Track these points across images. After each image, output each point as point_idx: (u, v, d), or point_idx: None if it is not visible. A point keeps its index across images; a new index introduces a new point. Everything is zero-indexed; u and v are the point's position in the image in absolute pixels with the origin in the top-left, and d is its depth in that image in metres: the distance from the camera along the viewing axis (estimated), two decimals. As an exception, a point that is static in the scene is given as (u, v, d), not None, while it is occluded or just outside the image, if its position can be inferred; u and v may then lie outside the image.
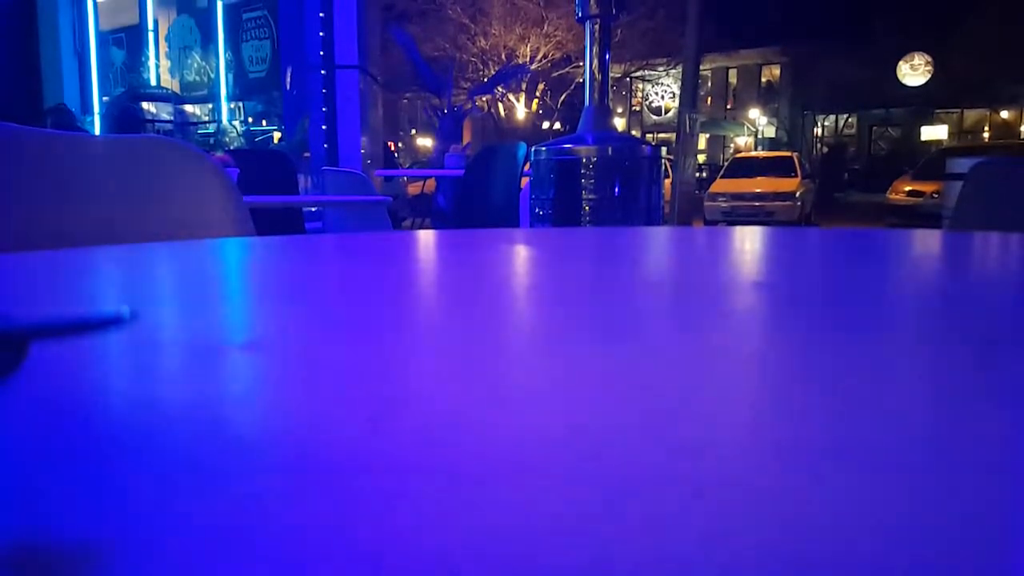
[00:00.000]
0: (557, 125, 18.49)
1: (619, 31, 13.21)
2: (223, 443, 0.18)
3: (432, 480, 0.16)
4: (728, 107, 23.55)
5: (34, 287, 0.46)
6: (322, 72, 7.14)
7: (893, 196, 10.99)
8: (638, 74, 20.05)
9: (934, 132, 21.45)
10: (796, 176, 11.29)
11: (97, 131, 8.86)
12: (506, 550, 0.12)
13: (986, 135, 20.50)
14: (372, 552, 0.12)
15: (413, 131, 20.62)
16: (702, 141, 22.06)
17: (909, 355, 0.28)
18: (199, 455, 0.17)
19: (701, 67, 10.96)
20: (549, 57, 15.81)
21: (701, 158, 19.72)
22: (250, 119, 9.20)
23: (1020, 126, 20.19)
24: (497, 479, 0.16)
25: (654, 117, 23.41)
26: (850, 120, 22.74)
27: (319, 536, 0.13)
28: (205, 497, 0.15)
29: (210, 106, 9.54)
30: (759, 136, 22.87)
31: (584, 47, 2.31)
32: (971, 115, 21.20)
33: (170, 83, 9.95)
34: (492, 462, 0.17)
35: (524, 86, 16.78)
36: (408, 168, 13.05)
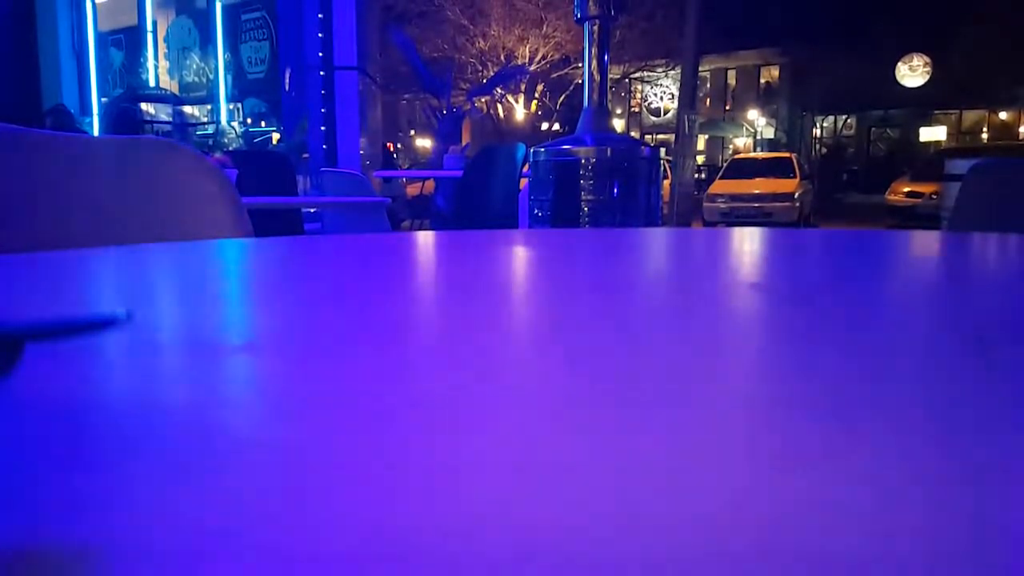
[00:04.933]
0: (556, 126, 18.50)
1: (618, 32, 13.22)
2: (220, 445, 0.18)
3: (432, 481, 0.16)
4: (727, 108, 23.56)
5: (31, 288, 0.46)
6: (321, 73, 7.14)
7: (892, 197, 11.00)
8: (637, 75, 20.06)
9: (933, 133, 21.47)
10: (795, 177, 11.30)
11: (96, 132, 8.86)
12: (508, 550, 0.12)
13: (985, 136, 20.52)
14: (369, 553, 0.12)
15: (412, 132, 20.62)
16: (701, 142, 22.07)
17: (906, 356, 0.28)
18: (195, 457, 0.17)
19: (700, 68, 10.98)
20: (548, 58, 15.82)
21: (700, 159, 19.73)
22: (249, 120, 9.19)
23: (1019, 127, 20.22)
24: (499, 481, 0.16)
25: (653, 118, 23.42)
26: (849, 121, 22.77)
27: (316, 537, 0.13)
28: (202, 499, 0.14)
29: (209, 107, 9.53)
30: (758, 137, 22.89)
31: (583, 48, 2.31)
32: (970, 116, 21.23)
33: (169, 84, 9.94)
34: (493, 464, 0.17)
35: (523, 87, 16.79)
36: (407, 169, 13.05)
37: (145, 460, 0.17)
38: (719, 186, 11.43)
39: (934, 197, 9.35)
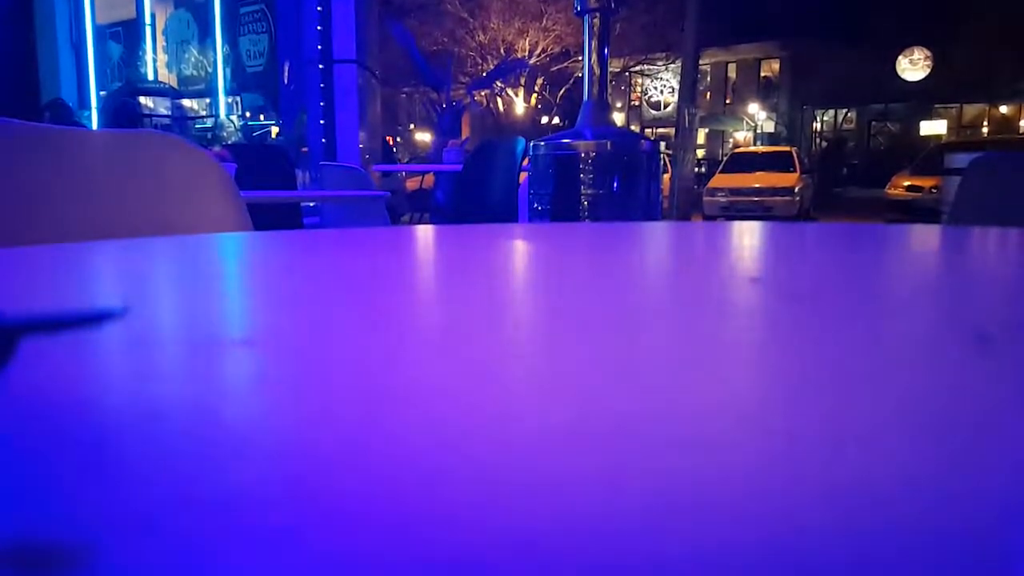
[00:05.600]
0: (556, 120, 18.46)
1: (618, 25, 13.16)
2: (218, 441, 0.18)
3: (427, 479, 0.16)
4: (727, 102, 23.51)
5: (29, 282, 0.46)
6: (320, 67, 7.12)
7: (892, 191, 10.99)
8: (637, 69, 20.01)
9: (933, 127, 21.44)
10: (795, 171, 11.29)
11: (94, 126, 8.84)
12: (502, 550, 0.12)
13: (985, 130, 20.49)
14: (365, 553, 0.12)
15: (411, 126, 20.56)
16: (701, 136, 22.01)
17: (905, 350, 0.28)
18: (193, 453, 0.17)
19: (700, 62, 10.94)
20: (548, 51, 15.79)
21: (700, 153, 19.69)
22: (248, 114, 9.18)
23: (1019, 121, 20.19)
24: (494, 477, 0.16)
25: (653, 112, 23.37)
26: (849, 115, 22.72)
27: (311, 536, 0.13)
28: (200, 496, 0.14)
29: (208, 101, 9.51)
30: (758, 131, 22.85)
31: (583, 41, 2.30)
32: (970, 110, 21.20)
33: (167, 77, 9.92)
34: (489, 460, 0.17)
35: (523, 81, 16.75)
36: (407, 163, 13.02)
37: (142, 455, 0.17)
38: (719, 180, 11.42)
39: (934, 191, 9.34)
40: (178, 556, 0.12)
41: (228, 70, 9.14)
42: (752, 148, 16.73)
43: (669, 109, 21.18)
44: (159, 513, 0.14)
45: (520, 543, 0.12)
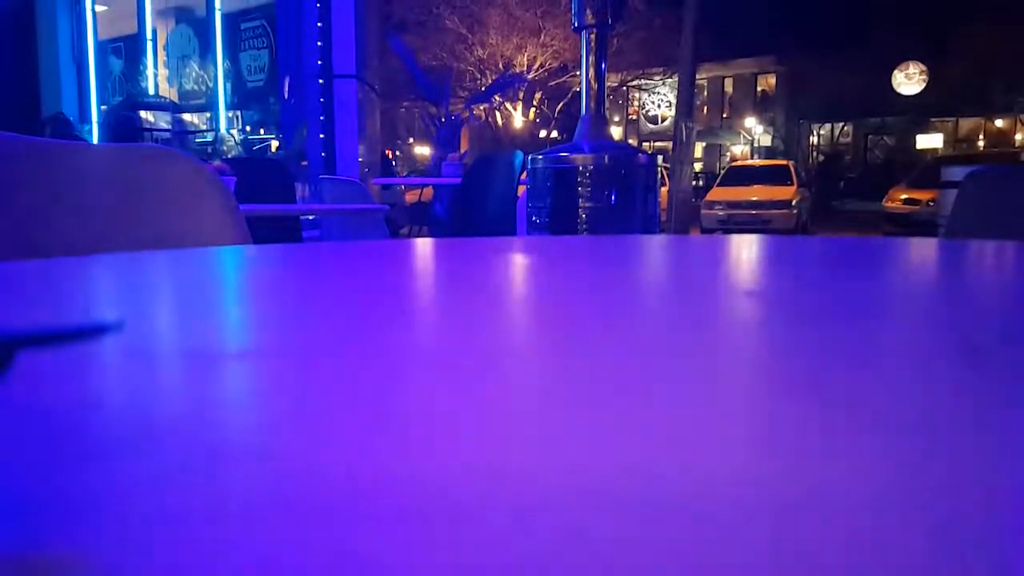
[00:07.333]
0: (554, 134, 18.54)
1: (615, 40, 13.26)
2: (214, 453, 0.18)
3: (425, 493, 0.16)
4: (724, 116, 23.64)
5: (28, 295, 0.46)
6: (320, 81, 7.16)
7: (889, 204, 11.03)
8: (634, 83, 20.13)
9: (929, 140, 21.55)
10: (792, 184, 11.33)
11: (95, 140, 8.86)
12: (502, 564, 0.12)
13: (981, 143, 20.60)
14: (363, 562, 0.12)
15: (411, 140, 20.64)
16: (698, 150, 22.10)
17: (901, 362, 0.28)
18: (189, 465, 0.17)
19: (697, 76, 11.02)
20: (546, 66, 15.89)
21: (697, 167, 19.74)
22: (248, 128, 9.22)
23: (1015, 134, 20.30)
24: (494, 493, 0.16)
25: (650, 126, 23.48)
26: (846, 129, 22.84)
27: (309, 545, 0.13)
28: (196, 507, 0.14)
29: (208, 115, 9.55)
30: (755, 145, 22.96)
31: (581, 56, 2.32)
32: (966, 124, 21.32)
33: (168, 92, 9.97)
34: (488, 475, 0.17)
35: (521, 95, 16.84)
36: (406, 176, 13.05)
37: (136, 469, 0.17)
38: (717, 193, 11.45)
39: (931, 204, 9.37)
40: (175, 566, 0.12)
41: (228, 85, 9.19)
42: (749, 161, 16.80)
43: (666, 123, 21.27)
44: (156, 526, 0.13)
45: (515, 558, 0.13)
